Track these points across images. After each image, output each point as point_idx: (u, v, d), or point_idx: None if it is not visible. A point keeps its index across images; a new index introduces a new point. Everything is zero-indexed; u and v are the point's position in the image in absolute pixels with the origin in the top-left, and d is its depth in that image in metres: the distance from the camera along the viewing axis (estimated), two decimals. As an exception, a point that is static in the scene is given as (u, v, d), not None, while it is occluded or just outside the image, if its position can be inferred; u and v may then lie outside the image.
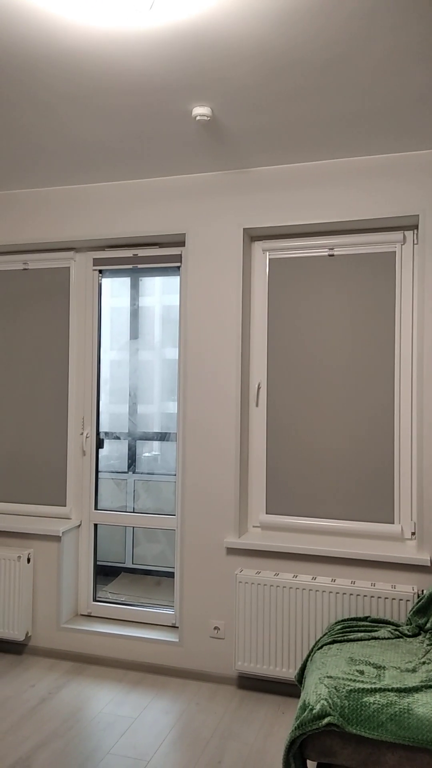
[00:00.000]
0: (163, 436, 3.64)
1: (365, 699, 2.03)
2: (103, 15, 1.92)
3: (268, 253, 3.31)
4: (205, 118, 2.55)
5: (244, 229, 3.20)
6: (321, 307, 3.22)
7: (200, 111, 2.52)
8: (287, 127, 2.71)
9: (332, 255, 3.20)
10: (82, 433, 3.65)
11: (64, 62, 2.20)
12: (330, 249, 3.20)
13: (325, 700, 2.05)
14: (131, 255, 3.52)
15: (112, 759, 2.51)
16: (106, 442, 3.71)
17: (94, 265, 3.61)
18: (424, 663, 2.28)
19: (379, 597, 2.84)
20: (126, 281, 3.69)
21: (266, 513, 3.29)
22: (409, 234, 3.10)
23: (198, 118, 2.54)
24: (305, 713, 2.05)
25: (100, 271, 3.64)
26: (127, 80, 2.32)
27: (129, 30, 2.00)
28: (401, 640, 2.51)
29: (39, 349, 3.70)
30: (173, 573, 3.52)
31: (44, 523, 3.53)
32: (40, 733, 2.69)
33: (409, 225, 3.08)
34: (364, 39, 2.04)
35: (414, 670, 2.22)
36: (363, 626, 2.66)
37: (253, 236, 3.33)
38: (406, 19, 1.93)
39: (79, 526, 3.62)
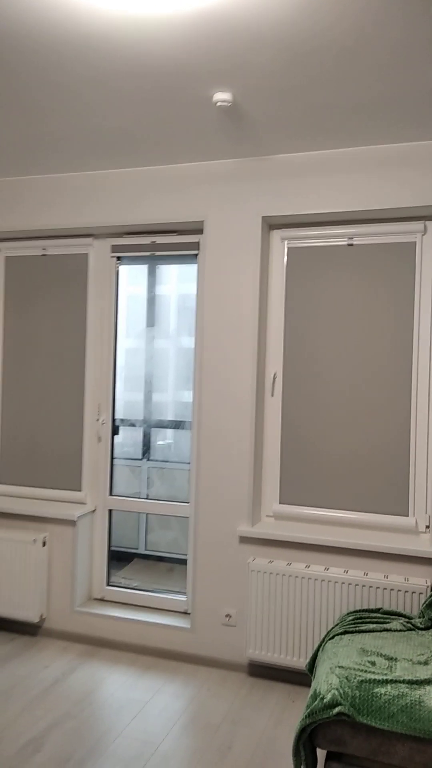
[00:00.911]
0: (177, 425, 3.65)
1: (376, 690, 2.03)
2: (125, -1, 1.91)
3: (286, 242, 3.29)
4: (226, 103, 2.52)
5: (262, 217, 3.17)
6: (339, 296, 3.20)
7: (221, 97, 2.50)
8: (308, 114, 2.67)
9: (351, 244, 3.17)
10: (98, 420, 3.67)
11: (84, 46, 2.19)
12: (349, 238, 3.17)
13: (336, 689, 2.06)
14: (149, 242, 3.52)
15: (123, 741, 2.54)
16: (121, 429, 3.73)
17: (112, 252, 3.61)
18: (436, 656, 2.27)
19: (391, 589, 2.84)
20: (143, 269, 3.69)
21: (280, 503, 3.29)
22: (430, 224, 3.06)
23: (219, 104, 2.52)
24: (316, 702, 2.06)
25: (118, 258, 3.64)
26: (148, 65, 2.31)
27: (151, 14, 1.99)
28: (413, 632, 2.51)
29: (56, 335, 3.72)
30: (185, 560, 3.54)
31: (60, 507, 3.57)
32: (53, 714, 2.73)
33: (430, 215, 3.04)
34: (386, 24, 2.00)
35: (426, 663, 2.22)
36: (375, 618, 2.66)
37: (271, 224, 3.31)
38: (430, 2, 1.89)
39: (94, 511, 3.66)
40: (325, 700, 2.04)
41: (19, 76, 2.42)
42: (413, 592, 2.81)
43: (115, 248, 3.60)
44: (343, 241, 3.18)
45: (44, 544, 3.51)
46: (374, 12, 1.94)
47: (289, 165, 3.13)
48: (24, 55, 2.26)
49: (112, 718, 2.71)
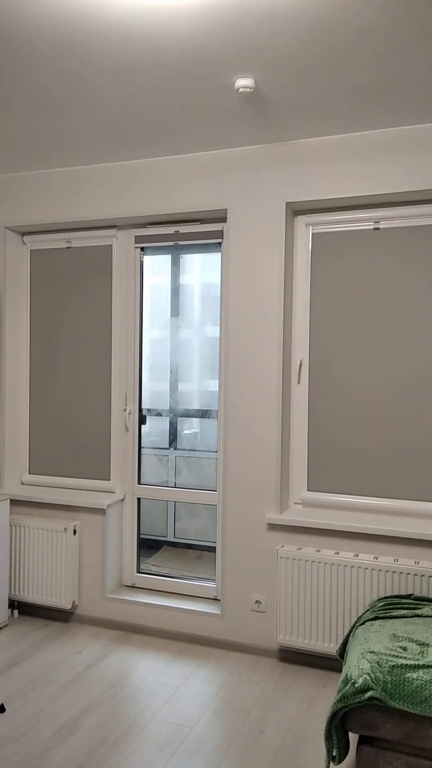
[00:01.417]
0: (203, 414, 3.67)
1: (408, 675, 2.03)
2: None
3: (311, 228, 3.26)
4: (248, 89, 2.50)
5: (286, 203, 3.15)
6: (366, 281, 3.16)
7: (243, 83, 2.48)
8: (332, 97, 2.64)
9: (378, 228, 3.13)
10: (125, 410, 3.70)
11: (104, 37, 2.19)
12: (375, 222, 3.13)
13: (368, 674, 2.06)
14: (173, 232, 3.52)
15: (156, 725, 2.58)
16: (148, 419, 3.76)
17: (135, 243, 3.62)
18: (468, 641, 2.26)
19: (422, 575, 2.82)
20: (167, 259, 3.69)
21: (308, 490, 3.29)
22: (458, 206, 3.00)
23: (241, 90, 2.50)
24: (348, 686, 2.06)
25: (142, 249, 3.65)
26: (168, 54, 2.30)
27: (170, 3, 1.97)
28: (445, 618, 2.49)
29: (83, 327, 3.75)
30: (214, 547, 3.57)
31: (90, 496, 3.62)
32: (86, 698, 2.78)
33: (459, 196, 2.98)
34: (411, 2, 1.96)
35: (458, 648, 2.20)
36: (406, 603, 2.65)
37: (295, 210, 3.28)
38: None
39: (123, 500, 3.70)
40: (356, 685, 2.05)
41: (41, 70, 2.43)
42: (444, 578, 2.79)
43: (138, 239, 3.61)
44: (369, 225, 3.14)
45: (75, 532, 3.57)
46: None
47: (312, 149, 3.10)
48: (44, 49, 2.27)
49: (145, 703, 2.76)
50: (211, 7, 2.01)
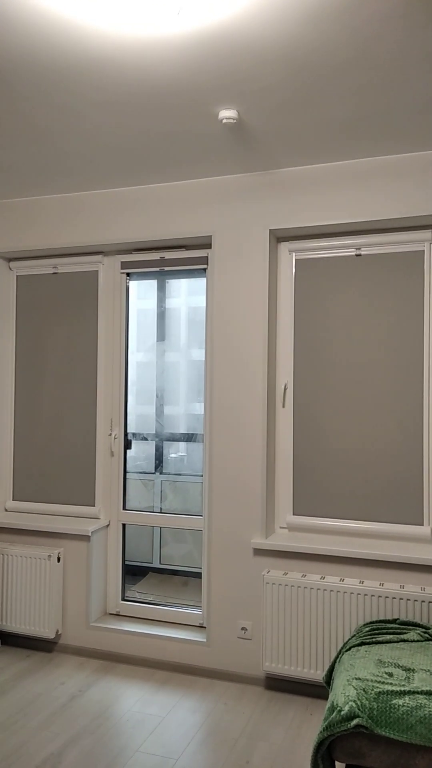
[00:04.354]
0: (189, 437, 3.66)
1: (394, 701, 2.02)
2: (131, 22, 1.95)
3: (294, 254, 3.31)
4: (232, 120, 2.56)
5: (270, 230, 3.20)
6: (348, 307, 3.21)
7: (227, 114, 2.54)
8: (314, 128, 2.71)
9: (359, 255, 3.19)
10: (110, 434, 3.69)
11: (92, 69, 2.24)
12: (357, 249, 3.19)
13: (354, 701, 2.04)
14: (158, 258, 3.56)
15: (141, 757, 2.53)
16: (134, 443, 3.75)
17: (121, 269, 3.65)
18: (454, 666, 2.25)
19: (408, 599, 2.81)
20: (153, 283, 3.72)
21: (293, 514, 3.28)
22: (437, 233, 3.07)
23: (224, 121, 2.56)
24: (334, 714, 2.04)
25: (128, 274, 3.68)
26: (153, 85, 2.35)
27: (156, 36, 2.03)
28: (431, 642, 2.49)
29: (68, 352, 3.76)
30: (200, 573, 3.54)
31: (74, 522, 3.59)
32: (70, 730, 2.72)
33: (438, 224, 3.05)
34: (391, 38, 2.03)
35: (444, 674, 2.19)
36: (392, 628, 2.64)
37: (279, 237, 3.33)
38: (434, 18, 1.92)
39: (108, 525, 3.67)
40: (342, 713, 2.03)
41: (28, 99, 2.48)
42: (430, 602, 2.78)
43: (124, 265, 3.64)
44: (351, 252, 3.20)
45: (59, 559, 3.52)
46: (374, 25, 1.97)
47: (295, 178, 3.16)
48: (33, 79, 2.32)
49: (130, 734, 2.70)
50: (195, 40, 2.06)
